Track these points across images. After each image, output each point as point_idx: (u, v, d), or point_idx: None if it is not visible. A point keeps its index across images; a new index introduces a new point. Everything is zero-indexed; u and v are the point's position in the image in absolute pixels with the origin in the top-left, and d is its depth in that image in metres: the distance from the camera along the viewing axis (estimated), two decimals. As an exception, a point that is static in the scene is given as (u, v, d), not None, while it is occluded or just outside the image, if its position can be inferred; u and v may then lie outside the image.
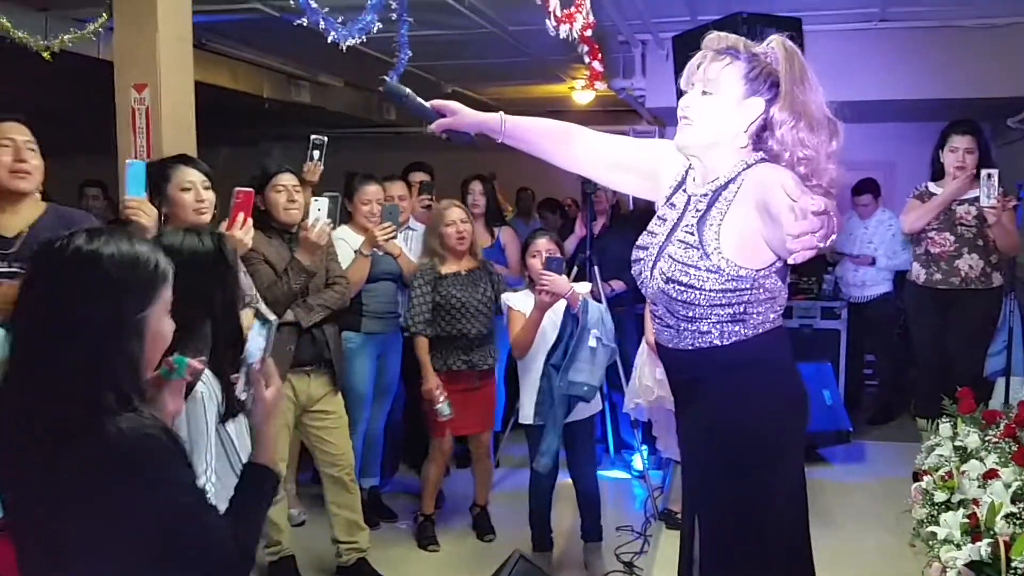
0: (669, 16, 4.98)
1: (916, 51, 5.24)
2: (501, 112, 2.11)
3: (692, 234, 1.89)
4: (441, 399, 3.65)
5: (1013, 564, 2.01)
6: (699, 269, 1.85)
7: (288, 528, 3.48)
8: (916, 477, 2.81)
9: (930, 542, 2.34)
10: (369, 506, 3.91)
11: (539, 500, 3.59)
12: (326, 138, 3.64)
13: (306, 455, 3.68)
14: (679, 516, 2.96)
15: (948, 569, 2.17)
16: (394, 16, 3.41)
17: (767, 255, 1.81)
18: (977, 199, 3.93)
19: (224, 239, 2.07)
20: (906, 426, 4.99)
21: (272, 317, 1.68)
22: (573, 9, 3.62)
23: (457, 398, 3.71)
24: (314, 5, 3.03)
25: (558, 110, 7.24)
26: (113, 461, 1.32)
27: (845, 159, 1.87)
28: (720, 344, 1.90)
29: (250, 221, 2.74)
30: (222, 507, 1.53)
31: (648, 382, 3.77)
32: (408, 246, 4.12)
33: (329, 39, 3.13)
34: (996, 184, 3.78)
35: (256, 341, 1.63)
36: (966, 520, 2.25)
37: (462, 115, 2.05)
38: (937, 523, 2.34)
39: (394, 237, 3.77)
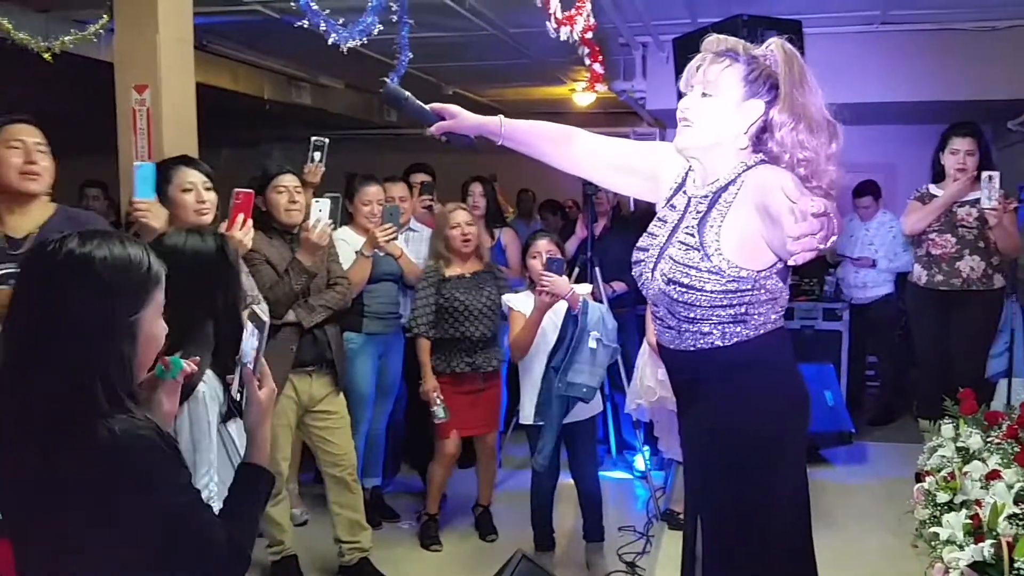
0: (669, 18, 4.99)
1: (916, 53, 5.24)
2: (500, 115, 2.11)
3: (693, 235, 1.89)
4: (437, 401, 3.65)
5: (1016, 565, 2.01)
6: (700, 270, 1.85)
7: (291, 528, 3.48)
8: (918, 478, 2.81)
9: (932, 543, 2.33)
10: (371, 506, 3.91)
11: (541, 500, 3.59)
12: (327, 139, 3.63)
13: (308, 455, 3.68)
14: (681, 516, 2.96)
15: (951, 570, 2.17)
16: (395, 18, 3.43)
17: (768, 256, 1.81)
18: (978, 201, 3.92)
19: (226, 240, 2.08)
20: (908, 427, 4.98)
21: (266, 318, 1.68)
22: (574, 11, 3.62)
23: (462, 400, 3.71)
24: (315, 7, 3.05)
25: (559, 112, 7.26)
26: (106, 462, 1.32)
27: (845, 161, 1.87)
28: (722, 345, 1.90)
29: (250, 222, 2.74)
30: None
31: (650, 383, 3.77)
32: (409, 247, 4.12)
33: (330, 41, 3.14)
34: (997, 186, 3.78)
35: (250, 342, 1.63)
36: (969, 521, 2.25)
37: (461, 118, 2.05)
38: (939, 524, 2.33)
39: (395, 238, 3.77)
